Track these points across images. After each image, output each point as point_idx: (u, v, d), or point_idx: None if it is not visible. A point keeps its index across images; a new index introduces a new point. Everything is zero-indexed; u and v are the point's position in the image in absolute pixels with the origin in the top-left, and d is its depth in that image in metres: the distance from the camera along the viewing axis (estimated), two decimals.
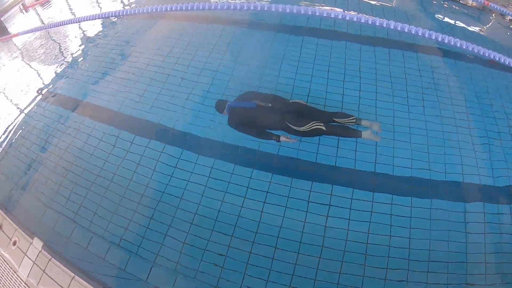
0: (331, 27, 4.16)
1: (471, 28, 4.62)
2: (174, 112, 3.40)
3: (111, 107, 3.62)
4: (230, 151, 3.10)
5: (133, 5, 5.55)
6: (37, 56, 5.03)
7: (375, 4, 4.74)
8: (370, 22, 2.88)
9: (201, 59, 3.92)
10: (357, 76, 3.56)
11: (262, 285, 2.36)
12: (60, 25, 5.34)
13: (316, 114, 2.88)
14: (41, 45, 5.23)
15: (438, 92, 3.45)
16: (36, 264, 2.38)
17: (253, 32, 4.31)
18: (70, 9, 6.08)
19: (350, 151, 2.96)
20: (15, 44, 5.64)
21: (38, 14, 6.32)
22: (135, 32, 4.73)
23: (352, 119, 2.88)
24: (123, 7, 5.63)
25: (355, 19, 3.32)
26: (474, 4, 5.06)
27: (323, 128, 2.74)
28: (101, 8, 5.86)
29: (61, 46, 5.16)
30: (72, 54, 4.84)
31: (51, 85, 4.26)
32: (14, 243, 2.54)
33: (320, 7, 3.59)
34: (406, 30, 2.87)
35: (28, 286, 2.33)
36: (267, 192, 2.77)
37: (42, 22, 6.01)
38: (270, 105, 2.87)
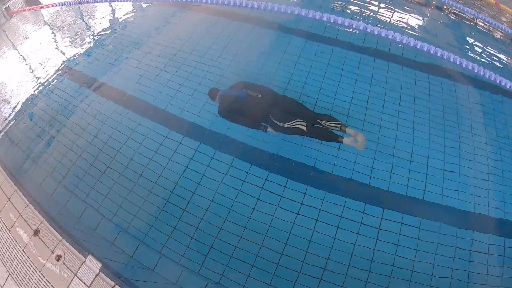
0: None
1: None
2: (194, 106, 3.37)
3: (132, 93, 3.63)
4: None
5: None
6: (62, 30, 5.06)
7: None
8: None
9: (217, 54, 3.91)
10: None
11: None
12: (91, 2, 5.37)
13: (301, 112, 2.85)
14: (69, 20, 5.27)
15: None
16: None
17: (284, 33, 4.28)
18: None
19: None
20: (42, 16, 5.70)
21: None
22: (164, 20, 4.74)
23: (337, 124, 2.81)
24: None
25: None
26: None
27: (304, 128, 2.72)
28: None
29: (88, 23, 5.19)
30: (97, 33, 4.85)
31: (72, 61, 4.28)
32: (58, 258, 2.11)
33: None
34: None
35: None
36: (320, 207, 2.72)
37: None
38: (260, 96, 2.90)
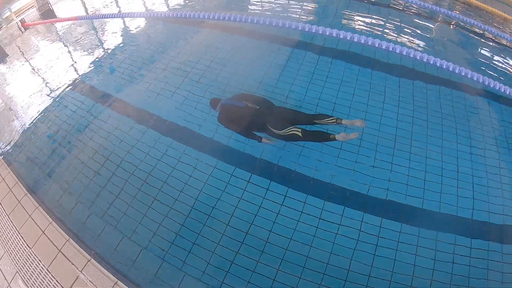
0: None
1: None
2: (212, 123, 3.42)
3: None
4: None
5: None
6: (75, 44, 5.15)
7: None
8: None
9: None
10: None
11: None
12: (103, 18, 5.47)
13: (297, 118, 3.04)
14: (81, 34, 5.35)
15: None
16: None
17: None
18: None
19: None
20: (56, 29, 5.79)
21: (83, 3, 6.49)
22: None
23: (332, 119, 2.99)
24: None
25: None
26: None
27: (300, 134, 2.90)
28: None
29: (99, 38, 5.28)
30: (112, 48, 4.93)
31: (85, 75, 4.36)
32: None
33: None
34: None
35: None
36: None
37: (87, 12, 6.16)
38: (258, 107, 3.05)
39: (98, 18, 5.37)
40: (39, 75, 4.72)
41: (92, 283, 2.23)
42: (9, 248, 2.57)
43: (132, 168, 3.11)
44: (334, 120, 2.99)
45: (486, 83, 3.27)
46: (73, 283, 2.25)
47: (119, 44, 4.92)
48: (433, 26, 5.27)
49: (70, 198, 2.99)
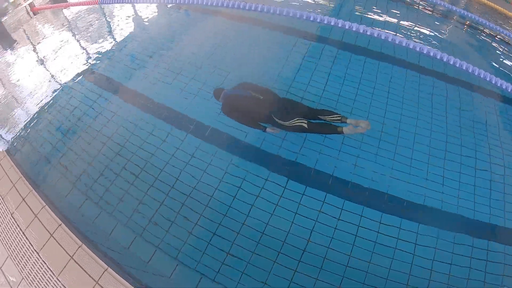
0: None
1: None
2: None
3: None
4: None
5: None
6: (83, 31, 5.02)
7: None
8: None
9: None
10: None
11: None
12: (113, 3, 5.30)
13: (301, 111, 2.97)
14: (91, 20, 5.21)
15: None
16: None
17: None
18: None
19: None
20: (65, 16, 5.65)
21: None
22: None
23: (337, 117, 2.93)
24: None
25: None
26: None
27: (305, 125, 2.85)
28: None
29: (109, 24, 5.14)
30: (121, 36, 4.80)
31: (92, 62, 4.25)
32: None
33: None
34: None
35: None
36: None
37: None
38: (261, 97, 2.99)
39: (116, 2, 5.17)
40: (45, 64, 4.57)
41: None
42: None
43: (143, 162, 3.01)
44: (339, 118, 2.93)
45: None
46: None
47: (131, 31, 4.78)
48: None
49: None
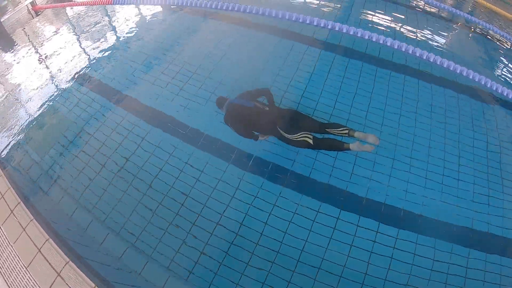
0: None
1: None
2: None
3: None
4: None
5: None
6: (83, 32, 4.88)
7: None
8: None
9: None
10: None
11: None
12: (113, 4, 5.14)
13: (308, 124, 2.86)
14: (92, 21, 5.07)
15: None
16: None
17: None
18: None
19: None
20: (67, 15, 5.50)
21: None
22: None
23: (345, 130, 2.82)
24: None
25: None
26: None
27: (311, 142, 2.75)
28: None
29: (111, 25, 5.01)
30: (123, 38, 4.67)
31: (90, 67, 4.14)
32: None
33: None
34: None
35: None
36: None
37: None
38: (267, 108, 2.89)
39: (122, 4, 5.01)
40: (48, 67, 4.43)
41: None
42: None
43: (150, 177, 2.92)
44: (347, 132, 2.82)
45: None
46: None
47: (133, 34, 4.65)
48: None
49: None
